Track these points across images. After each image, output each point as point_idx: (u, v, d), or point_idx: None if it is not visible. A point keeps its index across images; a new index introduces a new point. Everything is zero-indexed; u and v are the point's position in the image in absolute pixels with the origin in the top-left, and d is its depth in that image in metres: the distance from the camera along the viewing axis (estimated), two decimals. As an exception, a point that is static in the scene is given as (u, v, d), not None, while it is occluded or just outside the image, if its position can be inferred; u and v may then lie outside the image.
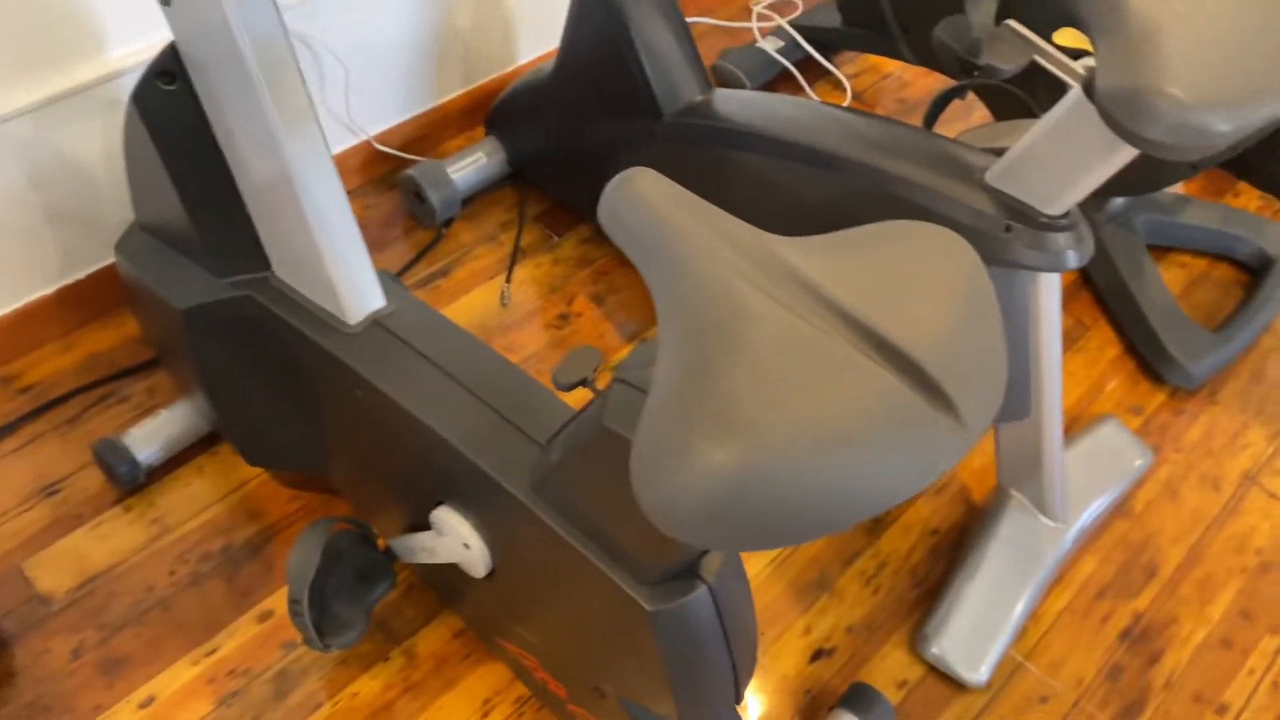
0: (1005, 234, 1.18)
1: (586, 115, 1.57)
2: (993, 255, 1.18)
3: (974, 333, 0.63)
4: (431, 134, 1.79)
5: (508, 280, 1.63)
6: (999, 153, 1.29)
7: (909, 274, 0.66)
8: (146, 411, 1.38)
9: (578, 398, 1.43)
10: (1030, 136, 1.15)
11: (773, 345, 0.61)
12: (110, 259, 1.46)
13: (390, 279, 1.16)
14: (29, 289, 1.40)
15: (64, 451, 1.36)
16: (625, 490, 0.83)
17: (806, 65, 2.02)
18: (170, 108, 1.06)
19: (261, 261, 1.15)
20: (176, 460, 1.36)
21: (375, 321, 1.10)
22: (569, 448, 0.88)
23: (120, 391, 1.43)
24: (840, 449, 0.58)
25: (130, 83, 1.33)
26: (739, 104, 1.48)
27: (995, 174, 1.20)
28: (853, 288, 0.65)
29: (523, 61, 1.88)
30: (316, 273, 1.08)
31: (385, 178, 1.74)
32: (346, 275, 1.07)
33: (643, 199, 0.68)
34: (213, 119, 1.04)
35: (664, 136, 1.48)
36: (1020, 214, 1.16)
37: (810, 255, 0.68)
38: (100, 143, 1.35)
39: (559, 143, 1.66)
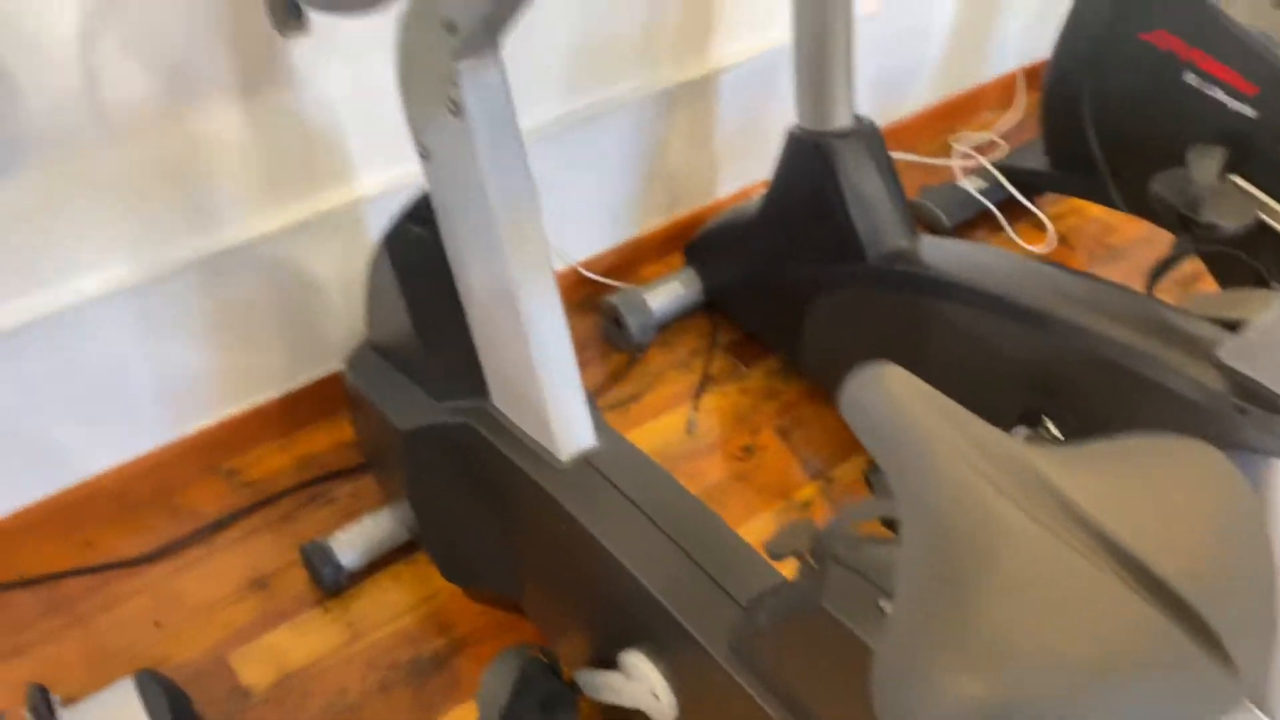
0: (1238, 415, 1.12)
1: (789, 253, 1.59)
2: (1221, 436, 1.13)
3: (1248, 571, 0.60)
4: (632, 260, 1.85)
5: (695, 408, 1.65)
6: (1227, 324, 1.24)
7: (1174, 498, 0.63)
8: (351, 514, 1.45)
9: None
10: (1274, 316, 1.10)
11: (1030, 568, 0.59)
12: (332, 367, 1.55)
13: (589, 404, 1.19)
14: (259, 391, 1.51)
15: (275, 547, 1.44)
16: (835, 671, 0.82)
17: (1007, 205, 1.99)
18: (416, 248, 1.13)
19: (481, 390, 1.20)
20: (375, 564, 1.41)
21: (585, 459, 1.13)
22: (776, 617, 0.88)
23: (329, 493, 1.50)
24: (1101, 691, 0.55)
25: (371, 209, 1.44)
26: (945, 253, 1.47)
27: (1230, 350, 1.14)
28: (1113, 509, 0.62)
29: (723, 195, 1.93)
30: (533, 409, 1.12)
31: (585, 300, 1.80)
32: (562, 414, 1.11)
33: (891, 396, 0.68)
34: (453, 260, 1.11)
35: (867, 281, 1.49)
36: (1255, 395, 1.11)
37: (1065, 468, 0.66)
38: (337, 261, 1.46)
39: (757, 277, 1.69)
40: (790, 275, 1.61)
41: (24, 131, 1.10)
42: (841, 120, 1.47)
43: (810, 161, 1.48)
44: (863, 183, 1.46)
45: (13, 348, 1.23)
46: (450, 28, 0.88)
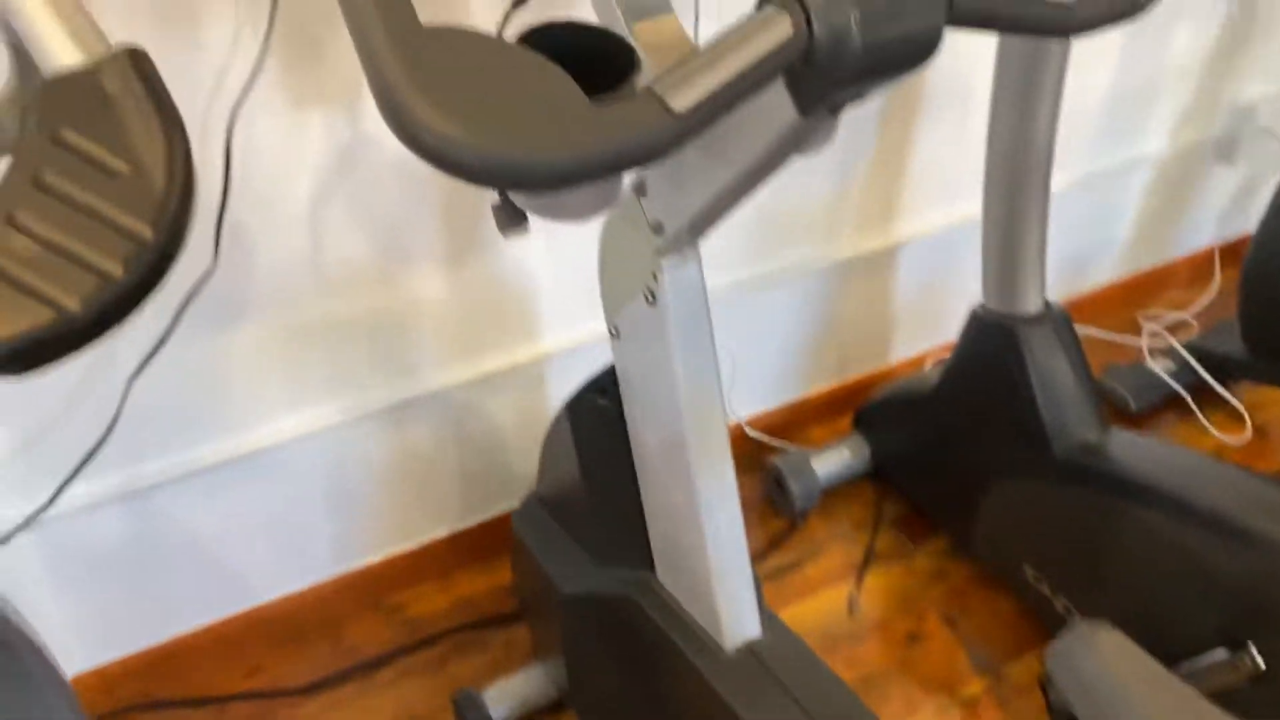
0: None
1: (966, 433, 1.54)
2: None
3: None
4: (798, 421, 1.83)
5: (858, 586, 1.60)
6: None
7: None
8: (503, 663, 1.45)
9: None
10: None
11: None
12: (498, 511, 1.58)
13: (756, 589, 1.16)
14: (428, 531, 1.55)
15: (427, 690, 1.44)
16: None
17: (1199, 390, 1.88)
18: (597, 417, 1.15)
19: (646, 562, 1.19)
20: (523, 720, 1.40)
21: (749, 649, 1.10)
22: None
23: (484, 639, 1.51)
24: None
25: (552, 365, 1.48)
26: (1138, 451, 1.40)
27: None
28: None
29: (895, 360, 1.90)
30: (701, 592, 1.10)
31: (747, 459, 1.79)
32: (731, 602, 1.09)
33: (1105, 661, 0.64)
34: (633, 434, 1.12)
35: (1051, 473, 1.42)
36: None
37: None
38: (516, 412, 1.50)
39: (930, 453, 1.64)
40: (967, 456, 1.56)
41: (251, 284, 1.18)
42: (1031, 305, 1.44)
43: (995, 345, 1.45)
44: (1052, 372, 1.41)
45: (211, 482, 1.30)
46: (657, 228, 0.91)
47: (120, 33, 0.99)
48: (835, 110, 0.67)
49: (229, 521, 1.35)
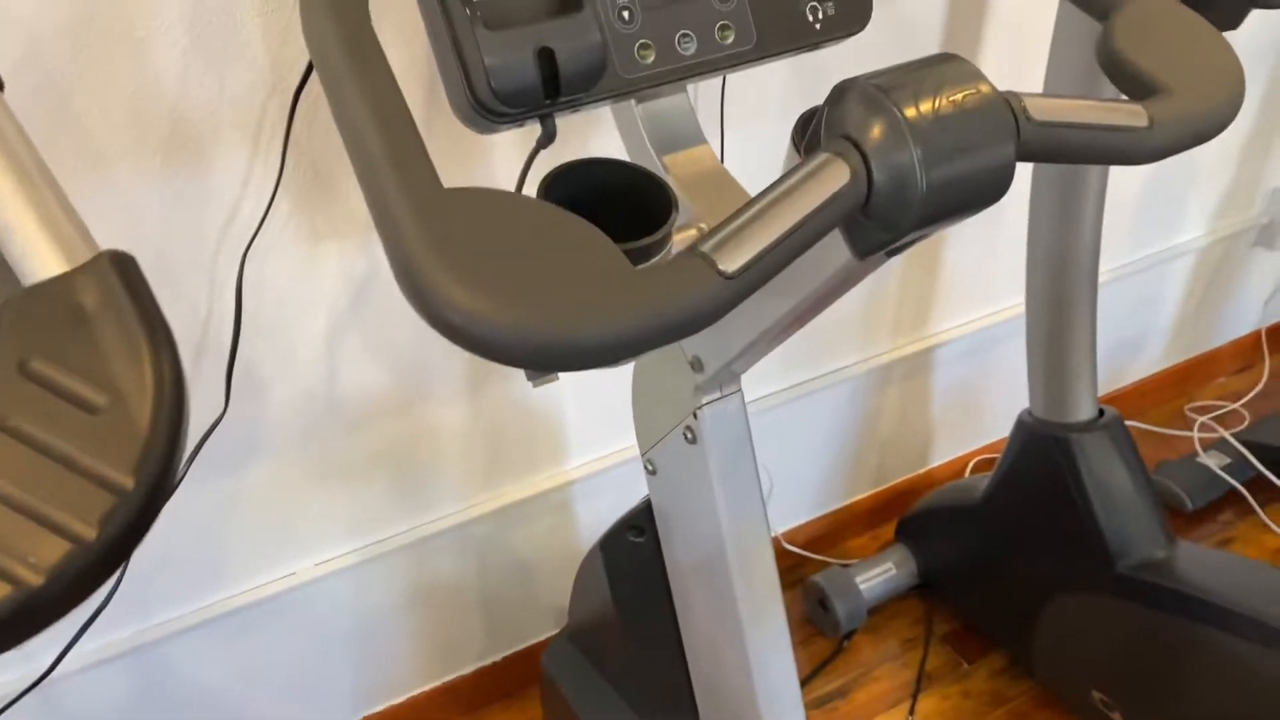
0: None
1: (1020, 546, 1.46)
2: None
3: None
4: (837, 531, 1.74)
5: (911, 712, 1.49)
6: None
7: None
8: (536, 812, 1.35)
9: None
10: None
11: None
12: (525, 643, 1.50)
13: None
14: (453, 668, 1.46)
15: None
16: None
17: (1256, 483, 1.79)
18: (632, 556, 1.08)
19: (687, 708, 1.11)
20: None
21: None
22: None
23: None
24: None
25: (579, 490, 1.41)
26: (1208, 568, 1.31)
27: None
28: None
29: (936, 463, 1.82)
30: (751, 746, 1.01)
31: (785, 574, 1.70)
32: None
33: None
34: (672, 575, 1.04)
35: (1114, 590, 1.33)
36: None
37: None
38: (543, 541, 1.42)
39: (982, 566, 1.55)
40: (1022, 569, 1.47)
41: (265, 424, 1.13)
42: (1083, 411, 1.36)
43: (1047, 455, 1.37)
44: (1110, 484, 1.33)
45: (223, 631, 1.22)
46: (697, 365, 0.85)
47: (127, 172, 0.97)
48: (894, 253, 0.61)
49: (242, 671, 1.27)
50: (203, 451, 1.04)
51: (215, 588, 1.21)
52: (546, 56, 0.66)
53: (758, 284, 0.52)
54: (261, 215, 0.99)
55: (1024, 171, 1.26)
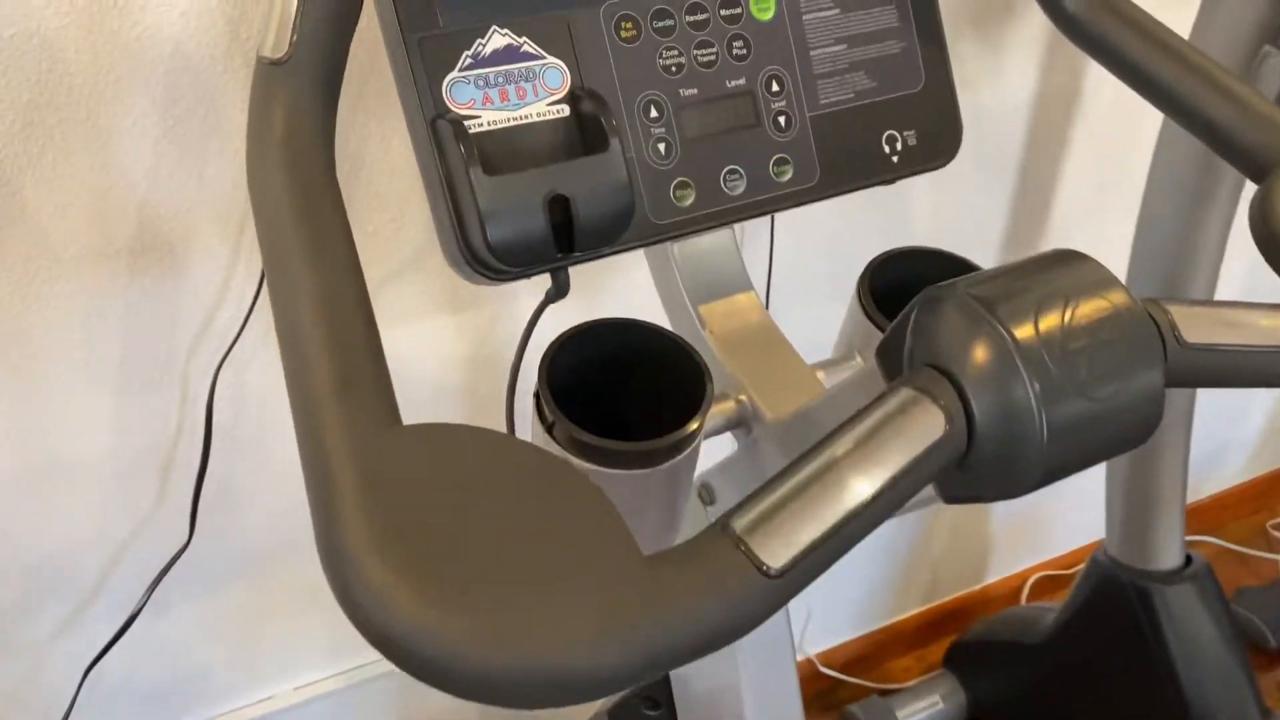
0: None
1: (1087, 697, 1.30)
2: None
3: None
4: (878, 653, 1.59)
5: None
6: None
7: None
8: None
9: None
10: None
11: None
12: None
13: None
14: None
15: None
16: None
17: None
18: (646, 728, 0.94)
19: None
20: None
21: None
22: None
23: None
24: None
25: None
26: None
27: None
28: None
29: (991, 579, 1.66)
30: None
31: (820, 697, 1.55)
32: None
33: None
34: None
35: (1199, 766, 1.16)
36: None
37: None
38: None
39: (1041, 712, 1.39)
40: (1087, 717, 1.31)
41: (237, 546, 1.00)
42: (1168, 558, 1.20)
43: (1124, 604, 1.21)
44: (1196, 645, 1.17)
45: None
46: (706, 495, 0.71)
47: (88, 272, 0.85)
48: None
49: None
50: (171, 574, 0.92)
51: (186, 711, 1.09)
52: (559, 205, 0.53)
53: (811, 578, 0.38)
54: (242, 321, 0.86)
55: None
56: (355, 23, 0.49)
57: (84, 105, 0.74)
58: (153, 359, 0.87)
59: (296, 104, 0.46)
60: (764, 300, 0.78)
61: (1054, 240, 1.33)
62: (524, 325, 0.62)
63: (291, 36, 0.46)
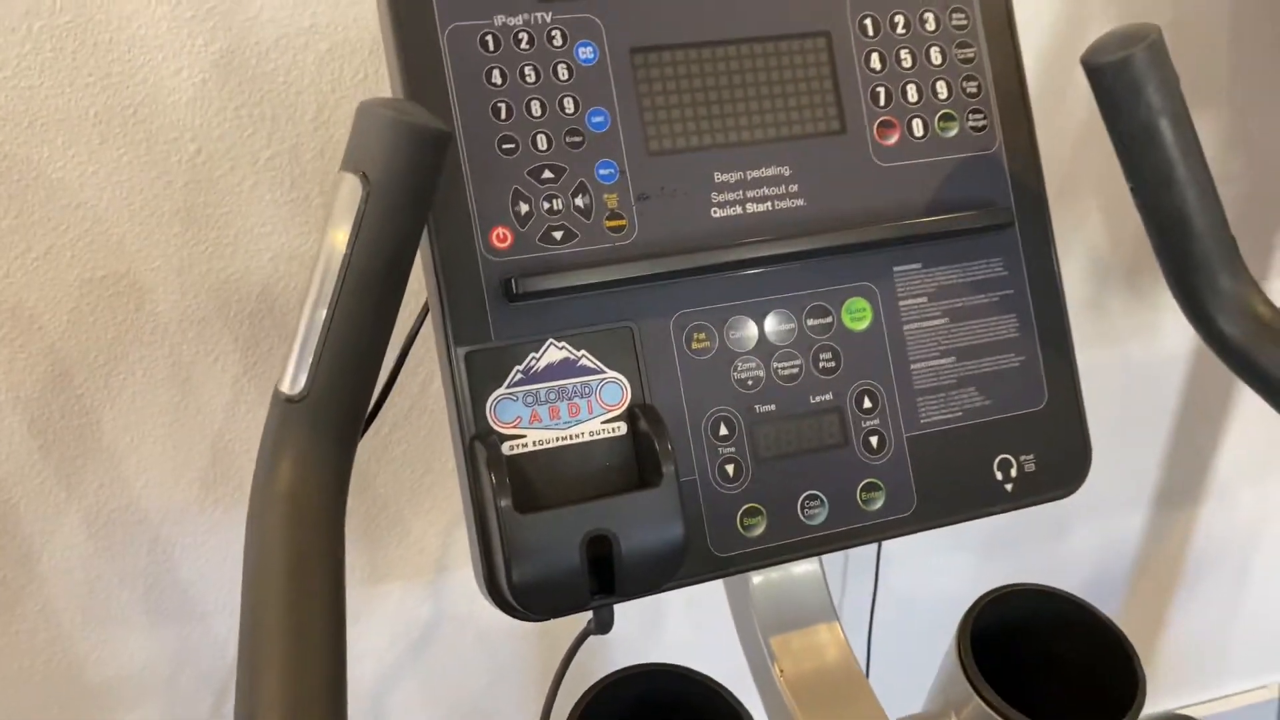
0: None
1: None
2: None
3: None
4: None
5: None
6: None
7: None
8: None
9: None
10: None
11: None
12: None
13: None
14: None
15: None
16: None
17: None
18: None
19: None
20: None
21: None
22: None
23: None
24: None
25: None
26: None
27: None
28: None
29: None
30: None
31: None
32: None
33: None
34: None
35: None
36: None
37: None
38: None
39: None
40: None
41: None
42: None
43: None
44: None
45: None
46: None
47: (155, 496, 0.83)
48: None
49: None
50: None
51: None
52: (600, 545, 0.47)
53: None
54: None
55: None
56: (381, 360, 0.44)
57: (167, 342, 0.74)
58: (214, 585, 0.84)
59: (308, 452, 0.42)
60: (866, 630, 0.69)
61: (1214, 499, 1.18)
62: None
63: (311, 373, 0.42)
